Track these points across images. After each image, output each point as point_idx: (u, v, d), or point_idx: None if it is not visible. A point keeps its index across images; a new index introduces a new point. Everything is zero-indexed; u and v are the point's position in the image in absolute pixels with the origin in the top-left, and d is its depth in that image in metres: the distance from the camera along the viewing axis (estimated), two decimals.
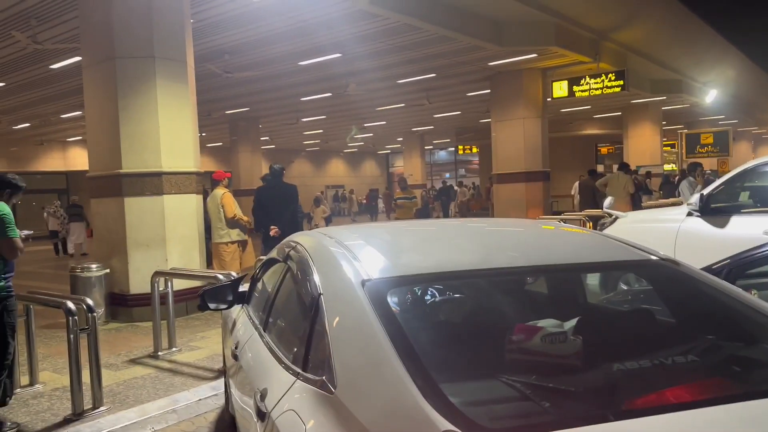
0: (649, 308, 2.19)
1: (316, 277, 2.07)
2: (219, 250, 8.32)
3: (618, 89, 14.84)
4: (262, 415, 1.89)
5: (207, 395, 4.73)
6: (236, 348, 2.88)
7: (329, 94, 17.63)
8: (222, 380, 4.70)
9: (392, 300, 1.79)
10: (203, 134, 24.20)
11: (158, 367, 5.52)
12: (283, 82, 15.99)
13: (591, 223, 12.42)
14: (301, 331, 2.01)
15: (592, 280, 2.41)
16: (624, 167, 14.63)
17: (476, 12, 12.12)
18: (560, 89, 15.65)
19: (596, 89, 15.02)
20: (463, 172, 44.74)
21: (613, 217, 6.49)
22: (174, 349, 5.99)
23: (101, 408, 4.37)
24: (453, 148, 39.81)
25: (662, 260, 2.16)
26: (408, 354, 1.51)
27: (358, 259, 2.02)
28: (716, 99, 22.71)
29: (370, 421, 1.39)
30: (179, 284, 6.78)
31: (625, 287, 2.69)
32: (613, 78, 14.81)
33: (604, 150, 32.84)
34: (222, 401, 4.53)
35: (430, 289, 2.14)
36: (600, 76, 14.95)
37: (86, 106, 7.91)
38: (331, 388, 1.57)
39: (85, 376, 4.37)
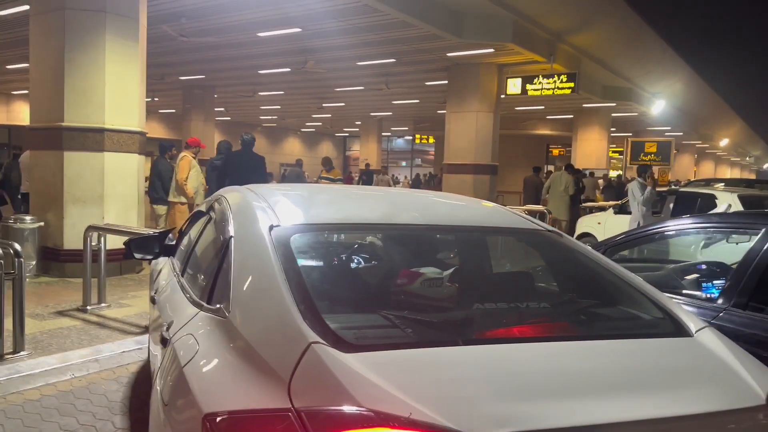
0: (529, 271, 2.46)
1: (231, 224, 2.22)
2: (173, 209, 8.56)
3: (569, 91, 15.36)
4: (165, 342, 2.04)
5: (131, 348, 4.81)
6: (155, 293, 3.00)
7: (288, 70, 17.55)
8: (147, 335, 4.79)
9: (296, 243, 1.96)
10: (155, 99, 23.68)
11: (85, 320, 5.54)
12: (242, 52, 15.83)
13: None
14: (211, 271, 2.16)
15: (494, 242, 2.69)
16: (569, 168, 15.20)
17: (437, 1, 12.31)
18: (514, 86, 16.05)
19: (548, 89, 15.48)
20: (419, 162, 45.20)
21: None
22: (103, 304, 6.00)
23: (22, 353, 4.40)
24: (410, 137, 40.17)
25: (548, 231, 2.41)
26: (298, 286, 1.69)
27: (273, 209, 2.18)
28: (663, 110, 23.69)
29: (252, 336, 1.58)
30: (115, 243, 6.76)
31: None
32: (564, 79, 15.30)
33: (555, 151, 33.79)
34: (146, 354, 4.62)
35: (335, 237, 2.35)
36: (553, 76, 15.42)
37: (31, 55, 7.72)
38: (225, 313, 1.73)
39: (9, 324, 4.38)
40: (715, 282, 2.97)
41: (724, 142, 40.43)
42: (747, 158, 57.91)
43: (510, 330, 1.77)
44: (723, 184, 14.62)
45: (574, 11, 14.48)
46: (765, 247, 2.65)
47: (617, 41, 17.64)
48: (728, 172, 53.77)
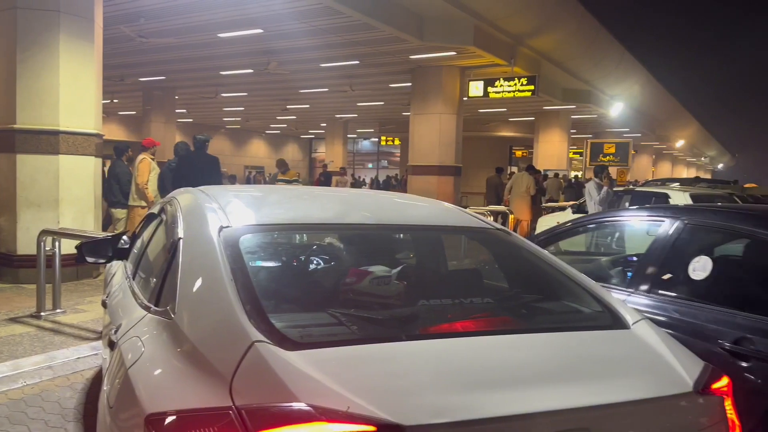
0: (478, 268, 2.53)
1: (181, 226, 2.21)
2: (133, 212, 8.42)
3: (529, 93, 15.65)
4: (112, 345, 2.03)
5: (87, 354, 4.72)
6: (107, 297, 2.97)
7: (250, 71, 17.41)
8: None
9: (246, 244, 1.98)
10: (115, 101, 23.20)
11: (39, 326, 5.41)
12: (203, 53, 15.65)
13: (492, 218, 13.11)
14: (160, 273, 2.16)
15: (447, 241, 2.75)
16: (530, 169, 15.49)
17: (400, 3, 12.41)
18: (476, 89, 16.28)
19: (509, 92, 15.75)
20: (385, 164, 45.33)
21: None
22: (59, 310, 5.87)
23: None
24: (376, 139, 40.27)
25: (497, 229, 2.48)
26: (245, 287, 1.71)
27: (224, 210, 2.19)
28: (622, 112, 24.33)
29: (197, 337, 1.59)
30: (71, 248, 6.60)
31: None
32: (525, 82, 15.58)
33: (518, 153, 34.34)
34: (101, 360, 4.54)
35: (286, 237, 2.37)
36: (513, 79, 15.69)
37: None
38: (171, 315, 1.74)
39: None
40: (628, 269, 3.32)
41: (680, 143, 41.70)
42: (702, 158, 59.80)
43: (453, 325, 1.83)
44: (678, 183, 15.07)
45: (533, 15, 14.77)
46: (664, 238, 2.95)
47: (576, 44, 18.04)
48: (685, 172, 55.44)
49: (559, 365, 1.64)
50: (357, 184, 28.94)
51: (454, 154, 16.60)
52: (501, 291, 2.28)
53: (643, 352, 1.78)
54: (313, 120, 32.21)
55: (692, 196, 8.83)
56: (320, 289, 2.14)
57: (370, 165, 45.75)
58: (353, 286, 2.02)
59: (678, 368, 1.69)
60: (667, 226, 2.97)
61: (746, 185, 19.25)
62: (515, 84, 15.71)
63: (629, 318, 1.94)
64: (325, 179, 20.55)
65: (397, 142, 36.34)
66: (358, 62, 16.19)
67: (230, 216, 2.11)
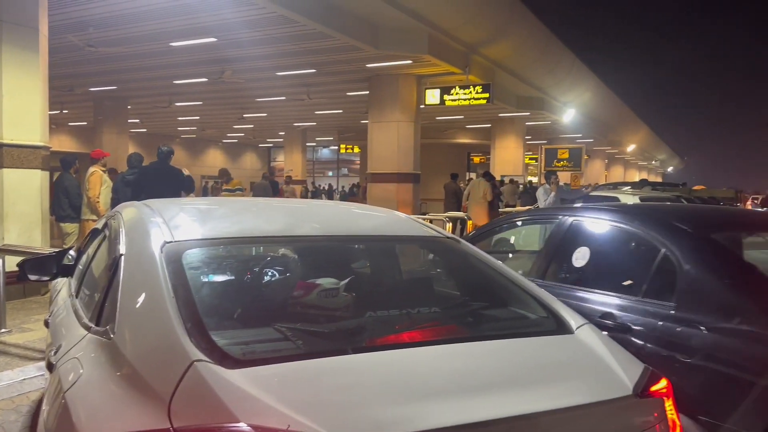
0: (429, 276, 2.55)
1: (123, 241, 2.16)
2: (84, 227, 8.20)
3: (484, 101, 15.90)
4: (51, 367, 1.96)
5: (33, 375, 4.54)
6: (50, 316, 2.87)
7: (205, 80, 17.17)
8: None
9: (189, 259, 1.94)
10: (64, 111, 22.56)
11: None
12: (155, 62, 15.36)
13: (451, 225, 13.23)
14: (101, 291, 2.10)
15: (396, 250, 2.76)
16: (486, 175, 15.71)
17: (355, 13, 12.46)
18: (433, 97, 16.45)
19: (465, 99, 15.97)
20: (345, 172, 45.29)
21: None
22: (3, 330, 5.64)
23: None
24: (336, 147, 40.20)
25: (447, 237, 2.50)
26: (186, 304, 1.67)
27: (168, 224, 2.14)
28: (574, 118, 24.95)
29: (136, 358, 1.55)
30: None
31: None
32: (480, 90, 15.83)
33: (476, 159, 34.79)
34: None
35: (232, 251, 2.34)
36: (469, 87, 15.92)
37: None
38: (111, 335, 1.69)
39: None
40: (530, 261, 3.70)
41: (631, 148, 42.97)
42: (653, 162, 61.74)
43: (400, 336, 1.83)
44: (629, 187, 15.52)
45: (485, 24, 15.03)
46: (556, 233, 3.41)
47: (528, 53, 18.43)
48: (636, 176, 57.10)
49: (504, 373, 1.67)
50: (316, 193, 28.75)
51: (413, 162, 16.71)
52: (450, 299, 2.30)
53: (586, 356, 1.82)
54: (271, 128, 31.96)
55: (642, 200, 9.12)
56: (266, 304, 2.11)
57: (330, 173, 45.67)
58: (300, 299, 2.00)
59: (619, 372, 1.74)
60: (560, 223, 3.42)
61: (695, 187, 19.99)
62: (471, 92, 15.94)
63: (573, 323, 1.99)
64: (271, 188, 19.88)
65: (356, 149, 36.34)
66: (314, 70, 16.16)
67: (174, 230, 2.07)
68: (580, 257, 3.16)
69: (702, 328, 2.41)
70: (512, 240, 4.83)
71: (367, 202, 18.71)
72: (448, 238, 2.51)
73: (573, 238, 3.30)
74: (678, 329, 2.48)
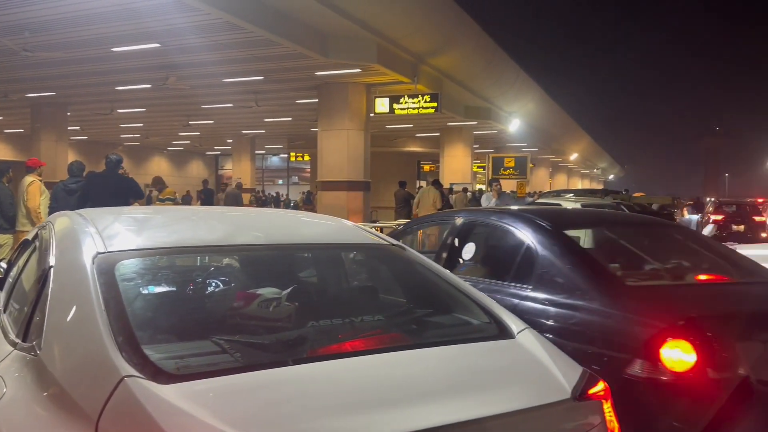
0: (374, 285, 2.55)
1: (53, 252, 2.07)
2: (19, 238, 7.78)
3: (432, 110, 16.11)
4: None
5: None
6: None
7: (148, 86, 16.73)
8: None
9: (123, 271, 1.87)
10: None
11: None
12: (96, 68, 14.87)
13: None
14: (30, 305, 2.00)
15: (339, 258, 2.74)
16: (435, 183, 15.92)
17: (303, 21, 12.42)
18: (382, 105, 16.56)
19: (413, 108, 16.14)
20: (296, 180, 44.95)
21: None
22: None
23: None
24: (286, 155, 39.84)
25: (392, 245, 2.50)
26: (118, 317, 1.61)
27: (101, 235, 2.06)
28: (519, 128, 25.56)
29: (63, 374, 1.48)
30: None
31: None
32: (428, 99, 16.03)
33: (426, 167, 35.16)
34: None
35: (169, 262, 2.26)
36: (417, 96, 16.10)
37: None
38: (37, 351, 1.61)
39: None
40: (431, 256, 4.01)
41: (574, 156, 44.34)
42: (595, 170, 63.89)
43: (342, 345, 1.82)
44: (572, 194, 15.98)
45: (432, 34, 15.26)
46: (451, 232, 3.88)
47: (474, 63, 18.80)
48: (579, 183, 58.93)
49: (446, 380, 1.67)
50: (265, 202, 28.32)
51: (363, 170, 16.72)
52: (394, 307, 2.30)
53: (526, 360, 1.85)
54: (219, 136, 31.41)
55: (584, 206, 9.39)
56: (204, 316, 2.05)
57: (280, 181, 45.23)
58: (240, 310, 1.95)
59: (557, 375, 1.77)
60: (454, 224, 3.91)
61: (635, 194, 20.78)
62: (419, 101, 16.12)
63: (514, 327, 2.01)
64: (206, 196, 17.95)
65: (306, 158, 36.15)
66: (262, 78, 15.99)
67: (107, 241, 1.99)
68: (467, 252, 3.70)
69: (548, 304, 2.94)
70: (420, 240, 5.27)
71: (316, 211, 18.63)
72: (393, 245, 2.51)
73: (463, 236, 3.82)
74: (531, 306, 2.98)
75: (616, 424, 1.80)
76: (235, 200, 16.06)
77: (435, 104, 15.94)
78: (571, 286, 2.92)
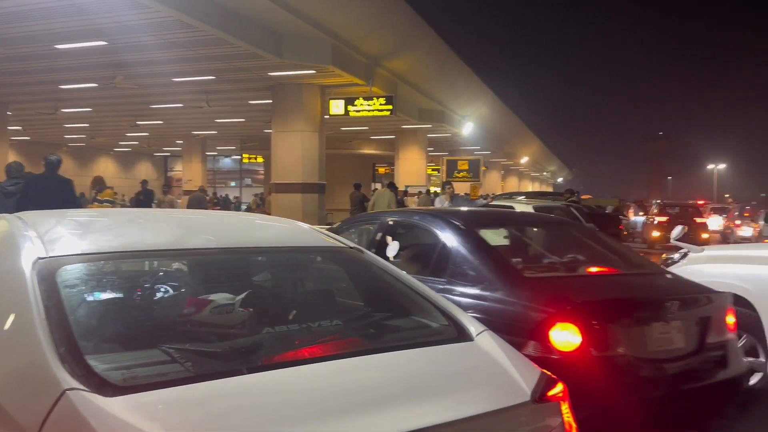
0: (330, 288, 2.50)
1: None
2: None
3: (387, 113, 16.14)
4: None
5: None
6: None
7: (95, 85, 16.17)
8: None
9: (65, 277, 1.77)
10: None
11: None
12: (39, 66, 14.27)
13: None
14: None
15: (294, 261, 2.67)
16: (390, 186, 15.94)
17: (256, 21, 12.24)
18: (337, 107, 16.48)
19: (368, 111, 16.14)
20: (249, 182, 44.28)
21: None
22: None
23: None
24: (238, 156, 39.18)
25: (350, 248, 2.46)
26: (60, 326, 1.52)
27: (42, 239, 1.95)
28: (472, 131, 25.92)
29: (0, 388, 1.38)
30: None
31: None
32: (383, 102, 16.05)
33: (381, 170, 35.23)
34: None
35: (115, 267, 2.16)
36: (372, 99, 16.10)
37: None
38: None
39: None
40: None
41: (525, 160, 45.29)
42: (544, 173, 65.41)
43: (299, 352, 1.76)
44: (524, 197, 16.28)
45: (386, 37, 15.31)
46: (376, 231, 4.14)
47: (428, 67, 18.96)
48: (530, 186, 60.17)
49: (405, 385, 1.64)
50: (216, 205, 27.65)
51: (318, 172, 16.60)
52: (352, 311, 2.25)
53: (485, 364, 1.84)
54: (168, 137, 30.63)
55: (536, 209, 9.57)
56: (153, 324, 1.95)
57: (233, 183, 44.50)
58: (191, 317, 1.86)
59: (517, 378, 1.76)
60: (381, 223, 4.19)
61: (583, 196, 21.34)
62: (374, 103, 16.11)
63: (473, 330, 2.00)
64: (145, 198, 16.34)
65: (260, 159, 35.66)
66: (214, 77, 15.69)
67: (48, 245, 1.88)
68: (391, 250, 3.92)
69: (459, 295, 3.18)
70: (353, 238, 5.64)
71: (270, 213, 18.37)
72: (350, 248, 2.47)
73: (388, 235, 4.07)
74: (445, 297, 3.18)
75: (573, 425, 1.81)
76: (198, 204, 15.55)
77: (390, 107, 15.97)
78: (479, 278, 3.25)
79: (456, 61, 20.57)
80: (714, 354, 3.15)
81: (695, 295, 3.31)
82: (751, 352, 4.05)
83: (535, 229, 4.63)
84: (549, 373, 1.85)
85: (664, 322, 3.02)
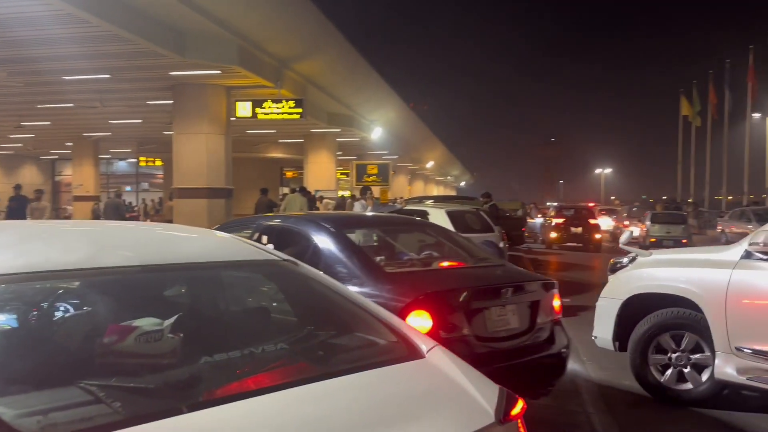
0: (265, 306, 2.31)
1: None
2: None
3: (297, 116, 15.86)
4: None
5: None
6: None
7: None
8: None
9: None
10: None
11: None
12: None
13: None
14: None
15: (225, 279, 2.45)
16: (302, 190, 15.67)
17: (157, 17, 11.60)
18: (244, 109, 15.98)
19: (277, 114, 15.77)
20: (146, 186, 42.13)
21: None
22: None
23: None
24: (135, 159, 37.20)
25: (284, 260, 2.29)
26: None
27: None
28: (381, 136, 26.13)
29: None
30: None
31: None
32: (293, 105, 15.75)
33: (289, 174, 34.71)
34: None
35: (18, 291, 1.85)
36: (281, 101, 15.75)
37: None
38: None
39: None
40: None
41: (430, 164, 46.33)
42: (448, 177, 67.29)
43: (244, 382, 1.57)
44: (432, 201, 16.57)
45: (295, 40, 15.07)
46: (252, 235, 4.30)
47: (338, 71, 18.87)
48: (435, 190, 61.68)
49: (365, 415, 1.52)
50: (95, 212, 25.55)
51: (225, 176, 16.01)
52: (295, 332, 2.06)
53: (444, 383, 1.75)
54: (56, 139, 28.46)
55: (448, 213, 9.76)
56: (68, 357, 1.66)
57: (128, 188, 42.14)
58: (114, 347, 1.60)
59: (477, 398, 1.69)
60: (257, 227, 4.43)
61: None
62: (283, 106, 15.77)
63: (423, 346, 1.91)
64: (18, 205, 14.14)
65: (158, 162, 33.97)
66: (109, 76, 14.70)
67: None
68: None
69: None
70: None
71: (171, 220, 17.46)
72: (284, 260, 2.30)
73: (264, 236, 4.27)
74: None
75: None
76: (115, 213, 14.44)
77: (300, 110, 15.70)
78: (349, 275, 3.57)
79: (365, 66, 20.64)
80: (543, 332, 3.77)
81: (527, 282, 3.93)
82: (695, 349, 4.37)
83: (398, 231, 5.14)
84: (506, 389, 1.79)
85: (501, 306, 3.56)
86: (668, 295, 4.45)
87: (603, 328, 4.79)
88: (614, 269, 5.20)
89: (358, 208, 11.34)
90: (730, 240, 19.95)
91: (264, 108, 15.86)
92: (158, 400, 1.43)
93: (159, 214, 27.96)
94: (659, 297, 4.51)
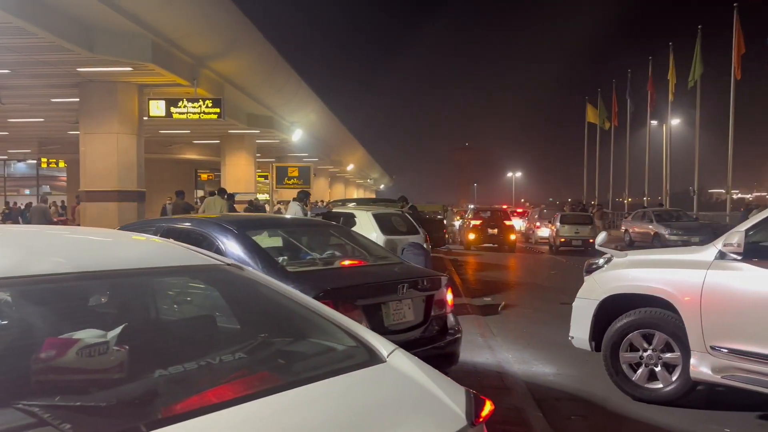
0: (210, 314, 2.19)
1: None
2: None
3: (215, 116, 15.37)
4: None
5: None
6: None
7: None
8: None
9: None
10: None
11: None
12: None
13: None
14: None
15: (165, 286, 2.29)
16: (222, 192, 15.16)
17: (64, 10, 10.89)
18: (157, 108, 15.31)
19: (194, 113, 15.22)
20: (47, 189, 39.57)
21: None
22: None
23: None
24: (35, 161, 34.79)
25: (227, 265, 2.17)
26: None
27: None
28: (301, 138, 25.83)
29: None
30: None
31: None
32: (210, 105, 15.26)
33: (204, 176, 33.59)
34: None
35: None
36: (198, 101, 15.22)
37: None
38: None
39: None
40: None
41: (350, 167, 46.35)
42: (368, 180, 67.61)
43: (205, 396, 1.45)
44: (355, 203, 16.56)
45: (213, 38, 14.61)
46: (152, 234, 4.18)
47: (257, 71, 18.47)
48: (355, 193, 61.79)
49: (339, 425, 1.45)
50: (11, 215, 24.02)
51: (137, 178, 15.24)
52: (249, 340, 1.94)
53: (410, 388, 1.71)
54: None
55: (375, 216, 9.78)
56: (1, 375, 1.49)
57: (27, 191, 39.41)
58: (53, 362, 1.43)
59: (447, 401, 1.66)
60: (157, 229, 4.47)
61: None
62: (200, 106, 15.23)
63: (384, 350, 1.87)
64: None
65: (62, 164, 31.90)
66: (9, 71, 13.65)
67: None
68: None
69: None
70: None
71: (79, 224, 16.39)
72: (228, 265, 2.18)
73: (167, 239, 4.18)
74: None
75: None
76: (42, 218, 13.43)
77: (218, 110, 15.22)
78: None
79: (285, 68, 20.35)
80: (436, 324, 4.05)
81: (421, 278, 4.13)
82: (665, 349, 4.37)
83: (302, 232, 5.28)
84: (472, 390, 1.78)
85: (397, 300, 3.80)
86: (644, 296, 4.48)
87: (579, 328, 4.77)
88: (590, 270, 5.15)
89: (298, 210, 11.19)
90: (633, 239, 21.38)
91: (179, 107, 15.25)
92: (113, 419, 1.30)
93: (62, 217, 26.16)
94: (635, 297, 4.54)
